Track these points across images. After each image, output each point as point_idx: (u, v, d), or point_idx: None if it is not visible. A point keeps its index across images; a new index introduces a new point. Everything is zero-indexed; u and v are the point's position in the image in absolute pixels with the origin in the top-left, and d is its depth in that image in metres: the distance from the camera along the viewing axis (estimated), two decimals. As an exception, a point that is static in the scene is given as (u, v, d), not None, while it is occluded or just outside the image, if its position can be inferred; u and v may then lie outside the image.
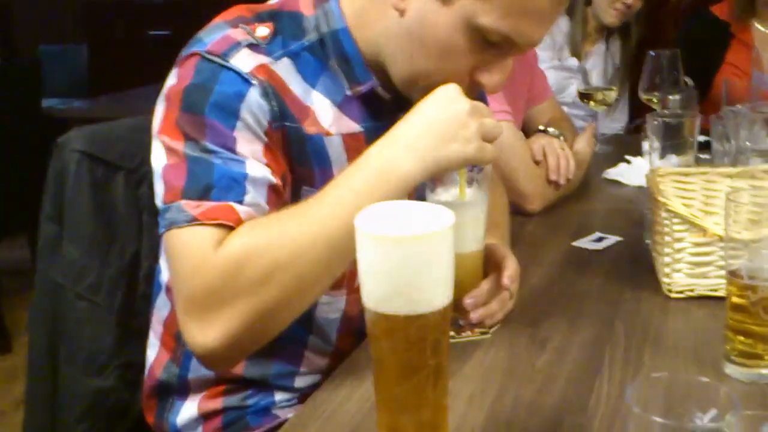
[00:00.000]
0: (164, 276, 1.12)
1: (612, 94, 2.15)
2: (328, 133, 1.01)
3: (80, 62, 4.46)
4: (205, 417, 1.11)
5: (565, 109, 2.16)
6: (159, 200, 0.94)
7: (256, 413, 1.11)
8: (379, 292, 0.67)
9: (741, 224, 0.90)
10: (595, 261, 1.34)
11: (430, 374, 0.69)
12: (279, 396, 1.11)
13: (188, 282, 0.89)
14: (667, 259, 1.15)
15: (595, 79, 2.17)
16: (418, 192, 0.98)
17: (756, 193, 0.91)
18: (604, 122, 2.38)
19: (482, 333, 1.06)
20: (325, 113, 1.01)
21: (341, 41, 1.02)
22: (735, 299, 0.92)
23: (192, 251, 0.89)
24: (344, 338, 1.10)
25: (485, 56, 0.96)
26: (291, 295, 0.89)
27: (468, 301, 1.03)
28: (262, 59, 0.96)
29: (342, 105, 1.02)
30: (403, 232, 0.66)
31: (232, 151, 0.92)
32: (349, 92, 1.03)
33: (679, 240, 1.13)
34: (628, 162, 1.89)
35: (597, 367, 0.96)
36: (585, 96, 2.14)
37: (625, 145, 2.07)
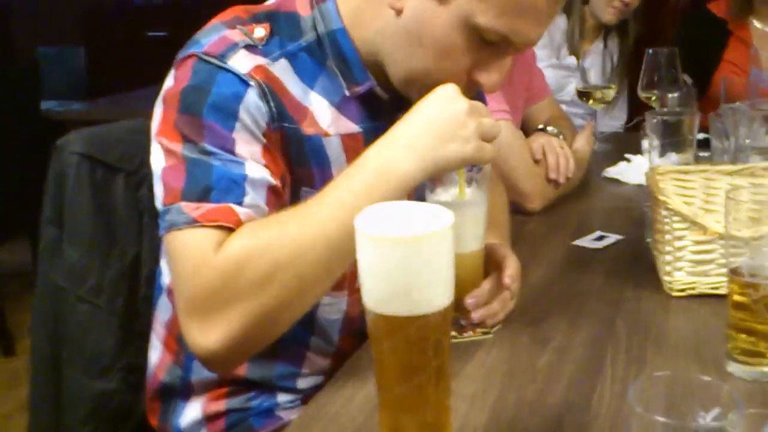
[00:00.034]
0: (165, 278, 1.12)
1: (611, 93, 2.14)
2: (326, 134, 1.01)
3: (79, 64, 4.44)
4: (208, 419, 1.11)
5: (564, 107, 2.15)
6: (159, 202, 0.94)
7: (259, 415, 1.11)
8: (379, 292, 0.67)
9: (741, 222, 0.89)
10: (595, 260, 1.34)
11: (432, 375, 0.69)
12: (282, 397, 1.11)
13: (189, 284, 0.89)
14: (668, 258, 1.15)
15: (594, 77, 2.16)
16: (418, 192, 0.98)
17: (756, 191, 0.91)
18: (603, 120, 2.38)
19: (484, 333, 1.06)
20: (323, 114, 1.01)
21: (339, 41, 1.01)
22: (736, 297, 0.92)
23: (192, 253, 0.89)
24: (346, 339, 1.10)
25: (483, 55, 0.96)
26: (291, 296, 0.89)
27: (469, 301, 1.02)
28: (260, 60, 0.96)
29: (340, 105, 1.02)
30: (402, 233, 0.66)
31: (231, 152, 0.92)
32: (347, 92, 1.03)
33: (679, 238, 1.13)
34: (628, 160, 1.89)
35: (599, 366, 0.96)
36: (584, 94, 2.14)
37: (625, 144, 2.07)
